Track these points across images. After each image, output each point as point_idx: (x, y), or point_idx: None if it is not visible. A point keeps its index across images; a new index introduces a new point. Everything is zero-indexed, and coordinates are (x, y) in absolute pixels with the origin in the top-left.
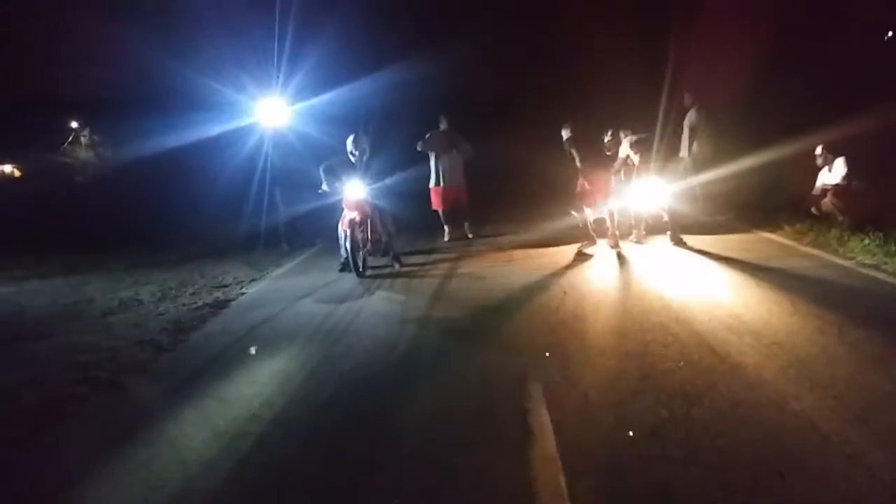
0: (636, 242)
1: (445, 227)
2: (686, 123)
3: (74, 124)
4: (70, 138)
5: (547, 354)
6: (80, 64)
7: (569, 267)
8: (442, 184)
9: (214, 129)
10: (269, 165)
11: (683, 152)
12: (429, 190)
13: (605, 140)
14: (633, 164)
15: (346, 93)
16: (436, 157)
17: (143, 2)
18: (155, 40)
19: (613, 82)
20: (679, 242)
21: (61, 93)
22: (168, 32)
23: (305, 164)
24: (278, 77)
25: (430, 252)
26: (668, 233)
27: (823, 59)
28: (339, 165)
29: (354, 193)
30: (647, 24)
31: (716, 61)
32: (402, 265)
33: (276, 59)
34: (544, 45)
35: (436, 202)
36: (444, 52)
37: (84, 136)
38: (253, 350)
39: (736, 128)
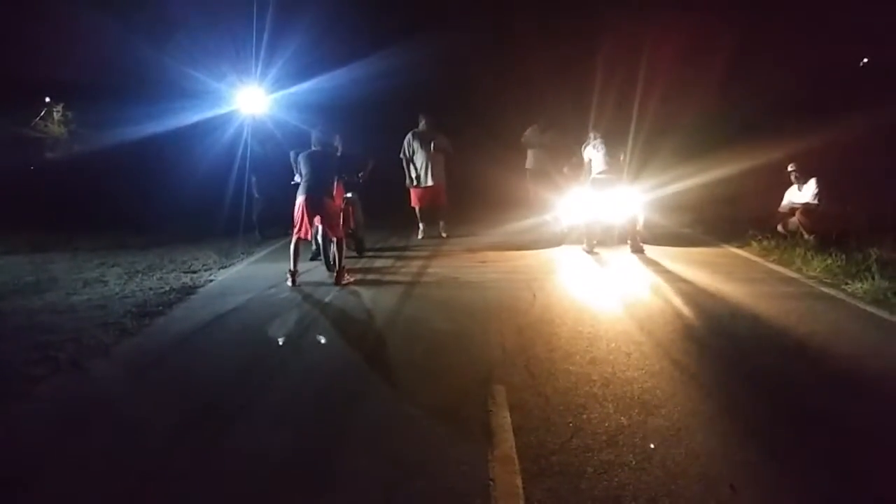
0: (588, 252)
1: (420, 225)
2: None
3: (48, 99)
4: (42, 113)
5: (513, 357)
6: (56, 47)
7: (540, 270)
8: (421, 183)
9: (194, 116)
10: (248, 154)
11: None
12: (404, 186)
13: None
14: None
15: (324, 81)
16: (415, 156)
17: None
18: (134, 27)
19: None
20: (639, 251)
21: (36, 73)
22: (147, 20)
23: (284, 152)
24: (257, 66)
25: (402, 249)
26: (629, 241)
27: (790, 76)
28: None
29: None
30: (619, 40)
31: (684, 76)
32: (362, 254)
33: (255, 48)
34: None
35: (414, 200)
36: (422, 45)
37: (57, 111)
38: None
39: (706, 140)
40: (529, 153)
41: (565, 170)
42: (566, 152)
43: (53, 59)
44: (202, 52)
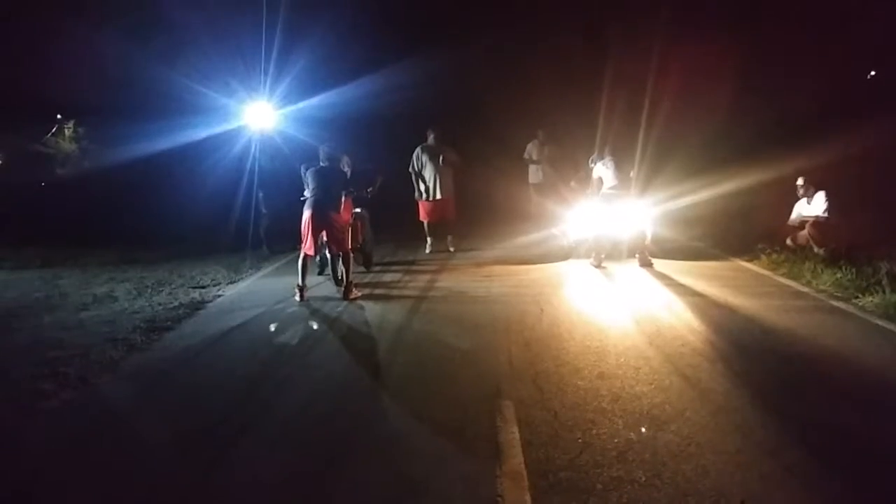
0: (596, 266)
1: (428, 240)
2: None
3: (59, 116)
4: (54, 129)
5: (520, 372)
6: (68, 65)
7: (548, 285)
8: (430, 196)
9: (203, 132)
10: (256, 168)
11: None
12: (412, 200)
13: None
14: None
15: (333, 97)
16: (424, 170)
17: (133, 8)
18: (144, 45)
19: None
20: (647, 265)
21: (47, 90)
22: (157, 38)
23: (292, 168)
24: (266, 81)
25: (410, 263)
26: (638, 255)
27: (799, 91)
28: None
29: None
30: (628, 54)
31: (696, 89)
32: (370, 269)
33: (263, 64)
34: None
35: (423, 214)
36: (430, 60)
37: (69, 128)
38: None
39: (715, 155)
40: (531, 167)
41: (572, 184)
42: (572, 165)
43: (65, 76)
44: (211, 69)
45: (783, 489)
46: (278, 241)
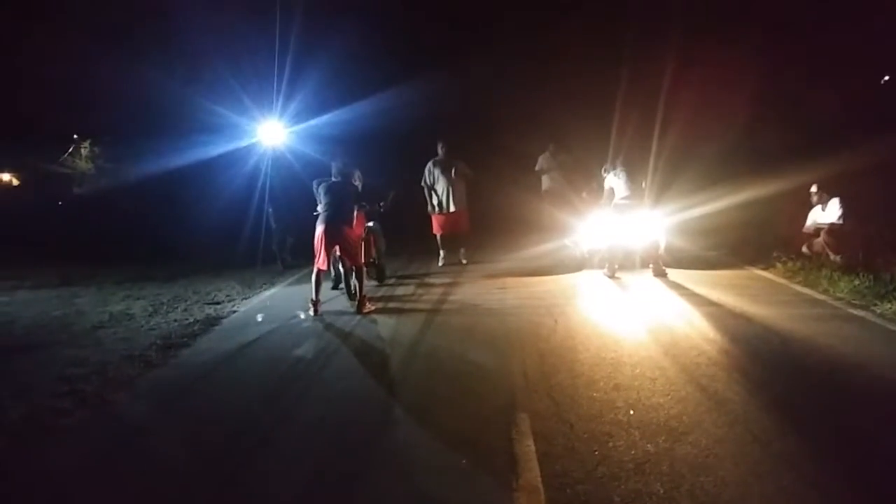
0: (609, 276)
1: (441, 252)
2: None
3: (76, 136)
4: (71, 149)
5: (535, 384)
6: (84, 86)
7: (562, 296)
8: (444, 209)
9: (216, 149)
10: (267, 185)
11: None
12: (425, 214)
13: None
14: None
15: (345, 113)
16: (436, 184)
17: (149, 29)
18: (159, 65)
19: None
20: (661, 275)
21: (65, 114)
22: (173, 59)
23: (303, 184)
24: (278, 99)
25: (424, 276)
26: (652, 265)
27: (814, 101)
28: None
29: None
30: (642, 64)
31: (710, 99)
32: (382, 282)
33: (276, 82)
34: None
35: (436, 227)
36: (441, 74)
37: (85, 147)
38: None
39: (728, 164)
40: (544, 177)
41: (584, 194)
42: (584, 175)
43: (81, 97)
44: (225, 88)
45: (806, 501)
46: (292, 255)
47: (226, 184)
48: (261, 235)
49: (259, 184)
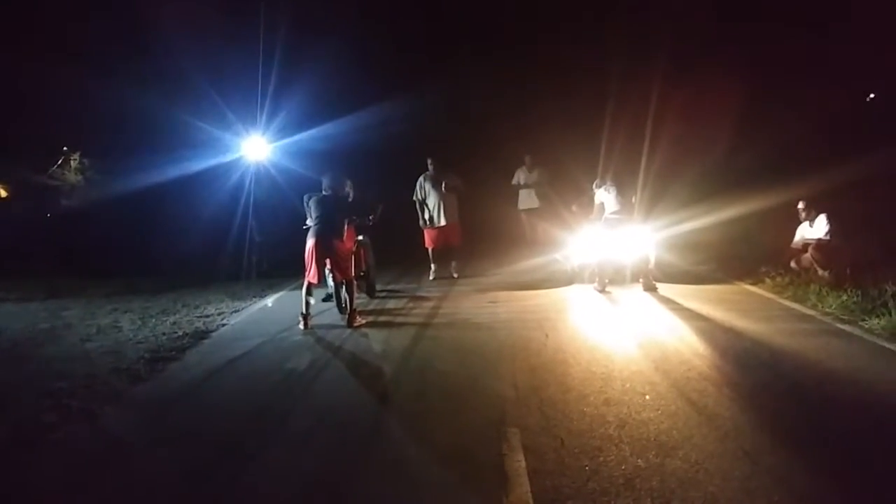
0: (600, 291)
1: (432, 266)
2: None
3: (65, 148)
4: (60, 161)
5: (526, 399)
6: (73, 99)
7: (552, 310)
8: (435, 223)
9: (200, 164)
10: (251, 199)
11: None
12: (416, 228)
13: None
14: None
15: (330, 128)
16: (427, 198)
17: (136, 46)
18: (146, 81)
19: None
20: (651, 289)
21: (53, 128)
22: (159, 74)
23: (286, 197)
24: (262, 114)
25: (414, 290)
26: (642, 280)
27: (799, 119)
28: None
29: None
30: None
31: (698, 116)
32: (373, 296)
33: (260, 96)
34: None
35: (428, 241)
36: (429, 88)
37: (74, 159)
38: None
39: (717, 180)
40: (521, 193)
41: (574, 208)
42: (573, 189)
43: (69, 112)
44: (210, 103)
45: None
46: (275, 267)
47: (210, 197)
48: (245, 248)
49: (243, 198)
